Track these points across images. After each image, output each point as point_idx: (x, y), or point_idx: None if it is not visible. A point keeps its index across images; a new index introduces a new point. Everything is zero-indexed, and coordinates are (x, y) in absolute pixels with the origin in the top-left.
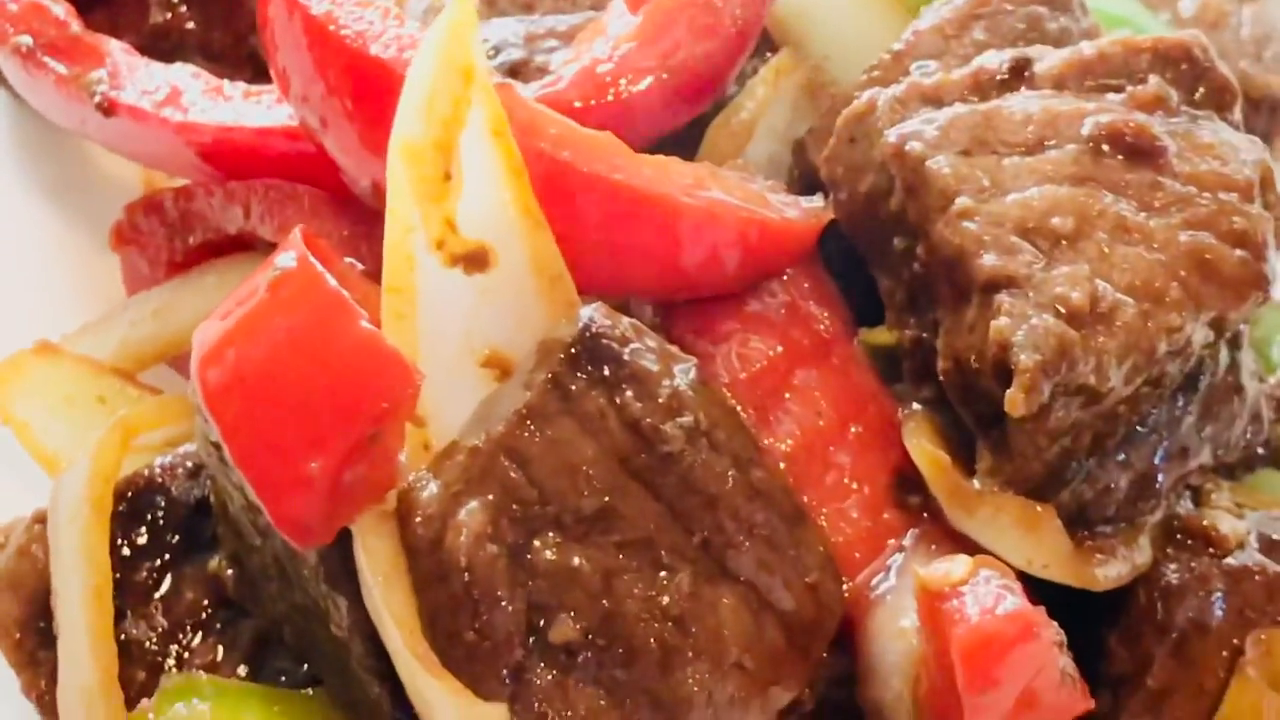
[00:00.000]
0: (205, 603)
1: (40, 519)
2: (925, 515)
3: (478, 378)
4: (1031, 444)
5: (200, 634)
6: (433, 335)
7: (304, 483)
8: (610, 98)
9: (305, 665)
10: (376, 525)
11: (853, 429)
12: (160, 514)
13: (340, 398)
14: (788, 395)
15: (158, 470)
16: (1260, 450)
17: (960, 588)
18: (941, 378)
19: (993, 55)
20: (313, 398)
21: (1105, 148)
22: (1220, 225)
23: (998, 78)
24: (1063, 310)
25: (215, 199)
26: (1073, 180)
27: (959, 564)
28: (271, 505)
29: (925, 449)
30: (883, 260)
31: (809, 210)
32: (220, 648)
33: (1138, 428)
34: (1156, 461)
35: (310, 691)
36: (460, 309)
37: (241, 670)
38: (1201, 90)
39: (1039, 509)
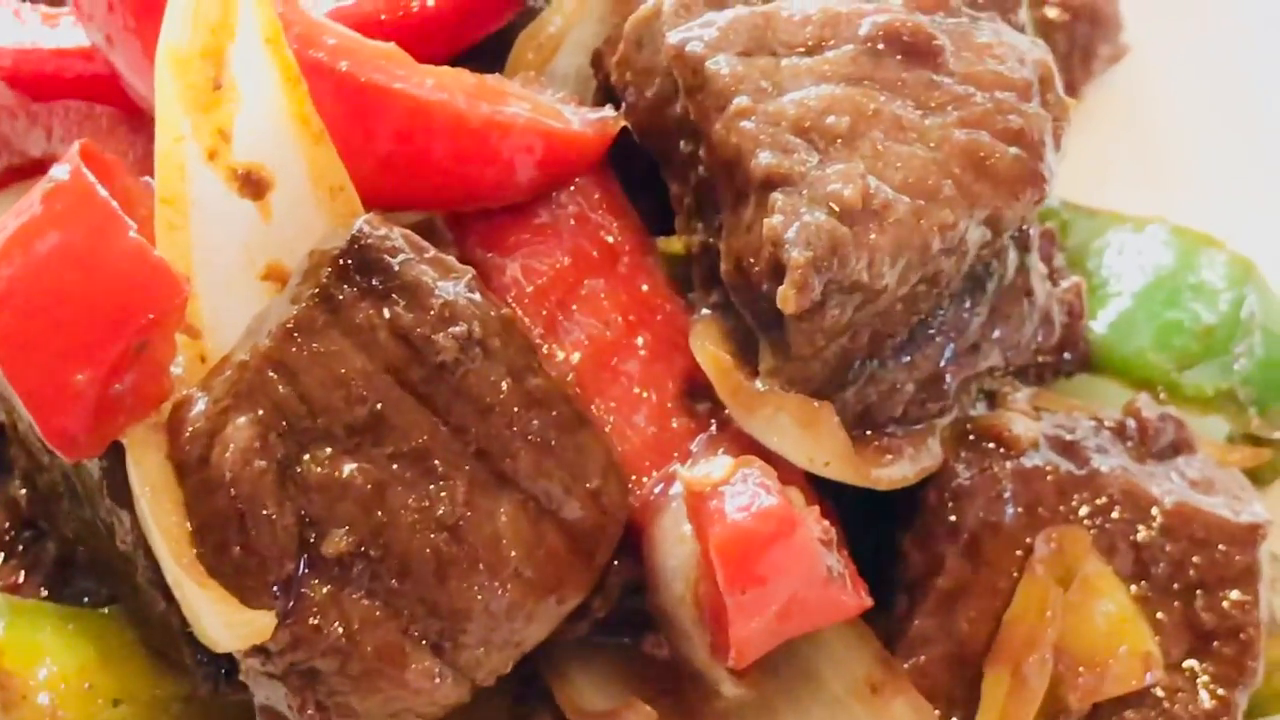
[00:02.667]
0: (8, 524)
1: None
2: (713, 423)
3: (257, 291)
4: (809, 343)
5: (2, 556)
6: (207, 247)
7: (70, 394)
8: (403, 12)
9: (105, 587)
10: (146, 438)
11: (640, 338)
12: None
13: (106, 308)
14: (575, 306)
15: None
16: (1067, 355)
17: (721, 487)
18: (724, 280)
19: None
20: (79, 309)
21: (882, 47)
22: (996, 124)
23: None
24: (835, 207)
25: (18, 122)
26: (849, 80)
27: (719, 464)
28: (39, 417)
29: (709, 351)
30: (671, 166)
31: (598, 121)
32: (22, 570)
33: (925, 329)
34: (943, 363)
35: (106, 610)
36: (236, 223)
37: (44, 591)
38: None
39: (816, 406)
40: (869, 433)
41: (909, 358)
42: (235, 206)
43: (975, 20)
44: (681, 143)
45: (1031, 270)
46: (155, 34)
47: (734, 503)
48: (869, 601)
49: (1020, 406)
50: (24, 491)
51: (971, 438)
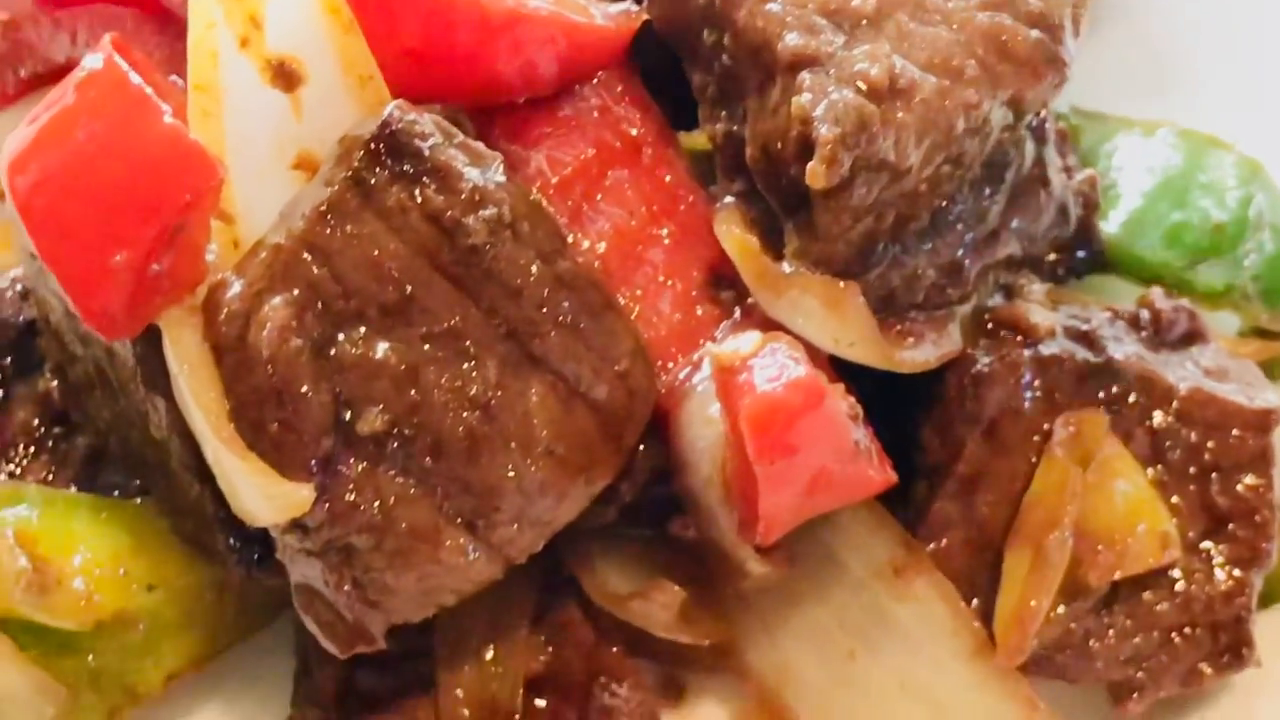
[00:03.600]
0: (36, 421)
1: None
2: (737, 310)
3: (288, 179)
4: (835, 223)
5: (33, 451)
6: (240, 135)
7: (109, 275)
8: None
9: (136, 479)
10: (183, 319)
11: (665, 228)
12: None
13: (143, 191)
14: (600, 196)
15: None
16: (1081, 253)
17: (749, 361)
18: (750, 165)
19: None
20: (116, 193)
21: None
22: (1018, 6)
23: None
24: (863, 86)
25: (42, 27)
26: None
27: (747, 339)
28: (78, 299)
29: (735, 234)
30: (694, 57)
31: (620, 15)
32: (53, 465)
33: (946, 216)
34: (963, 250)
35: (139, 501)
36: (268, 112)
37: (74, 486)
38: None
39: (842, 286)
40: (890, 318)
41: (930, 244)
42: (267, 96)
43: None
44: (705, 32)
45: (1049, 162)
46: None
47: (763, 375)
48: (894, 477)
49: (1037, 298)
50: (55, 384)
51: (990, 326)
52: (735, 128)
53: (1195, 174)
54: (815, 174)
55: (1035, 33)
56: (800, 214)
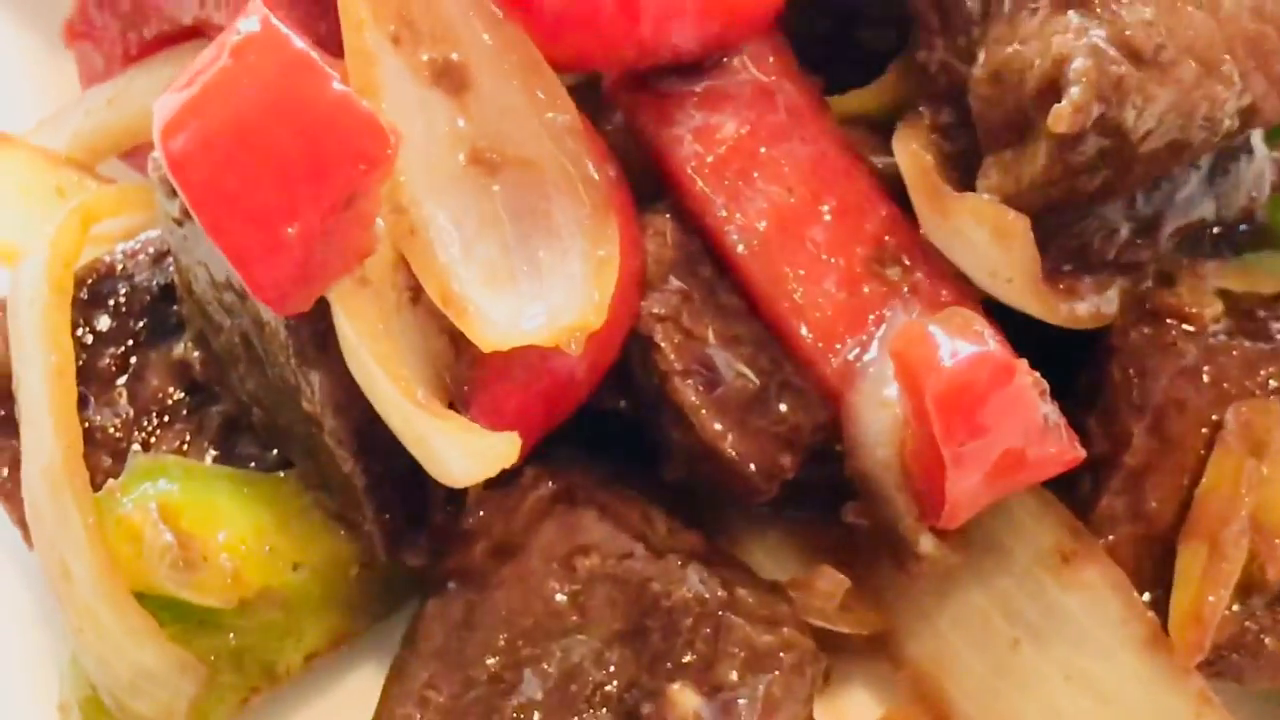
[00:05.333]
0: (171, 389)
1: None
2: (905, 289)
3: (462, 172)
4: (1050, 169)
5: (167, 420)
6: (404, 130)
7: (281, 248)
8: None
9: (274, 450)
10: (356, 290)
11: (825, 203)
12: (123, 300)
13: (316, 159)
14: (757, 174)
15: (119, 256)
16: (1243, 226)
17: (933, 339)
18: (973, 88)
19: None
20: (286, 160)
21: None
22: None
23: None
24: (1127, 48)
25: None
26: None
27: (932, 317)
28: (249, 272)
29: (912, 149)
30: None
31: None
32: (187, 434)
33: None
34: (1162, 208)
35: (281, 475)
36: (431, 110)
37: (209, 456)
38: None
39: (1014, 217)
40: (1055, 269)
41: (1131, 201)
42: (428, 94)
43: None
44: None
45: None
46: None
47: (950, 352)
48: (1082, 453)
49: (1199, 284)
50: (197, 354)
51: (1155, 314)
52: (952, 59)
53: None
54: (1060, 117)
55: None
56: (1008, 151)
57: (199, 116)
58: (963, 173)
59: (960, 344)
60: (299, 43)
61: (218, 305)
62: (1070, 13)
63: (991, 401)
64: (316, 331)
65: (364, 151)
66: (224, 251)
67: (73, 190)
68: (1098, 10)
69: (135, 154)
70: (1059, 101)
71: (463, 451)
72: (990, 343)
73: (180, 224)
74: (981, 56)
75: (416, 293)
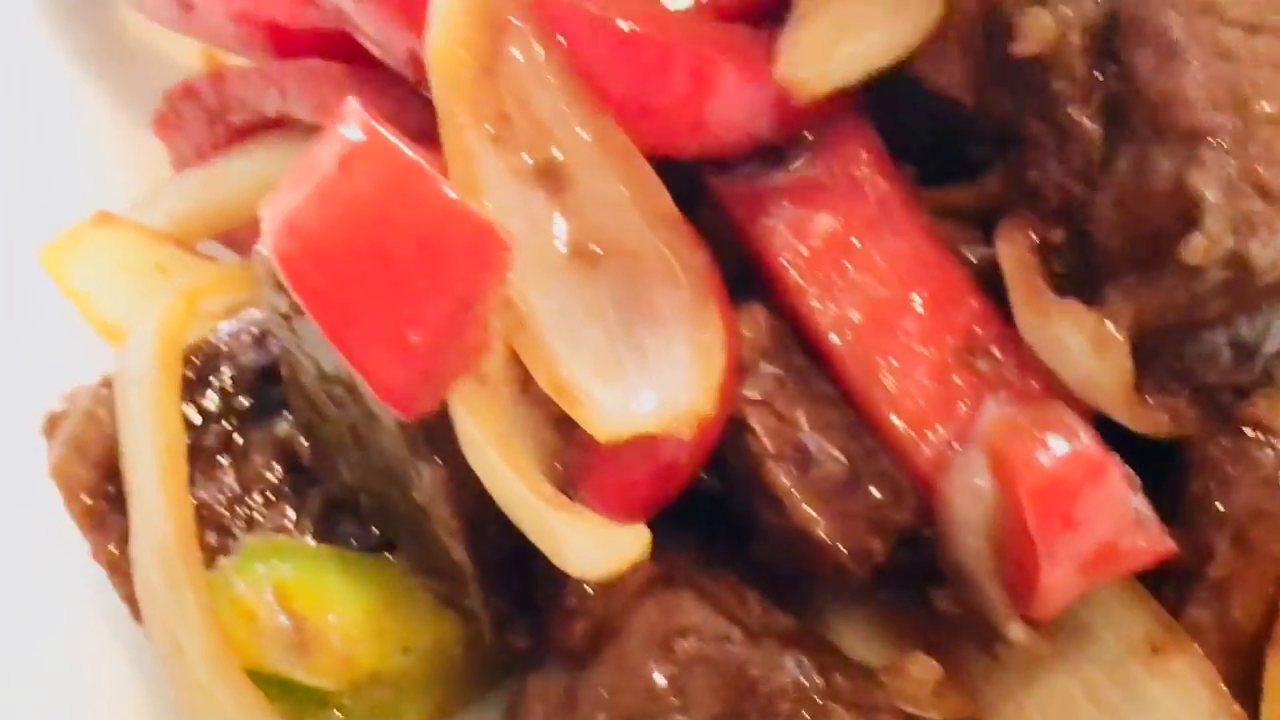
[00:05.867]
0: (273, 467)
1: (105, 383)
2: (995, 379)
3: (565, 266)
4: (1174, 297)
5: (270, 498)
6: (509, 226)
7: (407, 355)
8: None
9: (376, 530)
10: (476, 388)
11: (917, 293)
12: (227, 379)
13: (435, 267)
14: (850, 265)
15: (223, 336)
16: None
17: (1028, 435)
18: (1096, 212)
19: None
20: (406, 269)
21: None
22: None
23: None
24: (1258, 183)
25: (251, 82)
26: (1276, 67)
27: (1026, 412)
28: (375, 380)
29: (1016, 249)
30: (1034, 105)
31: None
32: (290, 512)
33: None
34: (1264, 335)
35: (388, 556)
36: (533, 207)
37: (311, 534)
38: None
39: (1111, 329)
40: (1147, 379)
41: (1236, 328)
42: (530, 192)
43: None
44: (1057, 82)
45: None
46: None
47: (1043, 448)
48: (1173, 546)
49: (1277, 394)
50: (303, 440)
51: (1232, 425)
52: (1067, 179)
53: None
54: (1194, 249)
55: None
56: (1130, 275)
57: (312, 225)
58: (1065, 282)
59: (1055, 440)
60: (407, 150)
61: (326, 397)
62: (1201, 146)
63: (1086, 497)
64: (427, 425)
65: (482, 257)
66: (349, 360)
67: (173, 267)
68: (1227, 145)
69: (230, 234)
70: (1188, 232)
71: (593, 545)
72: (1084, 439)
73: (288, 319)
74: (1106, 183)
75: (526, 383)
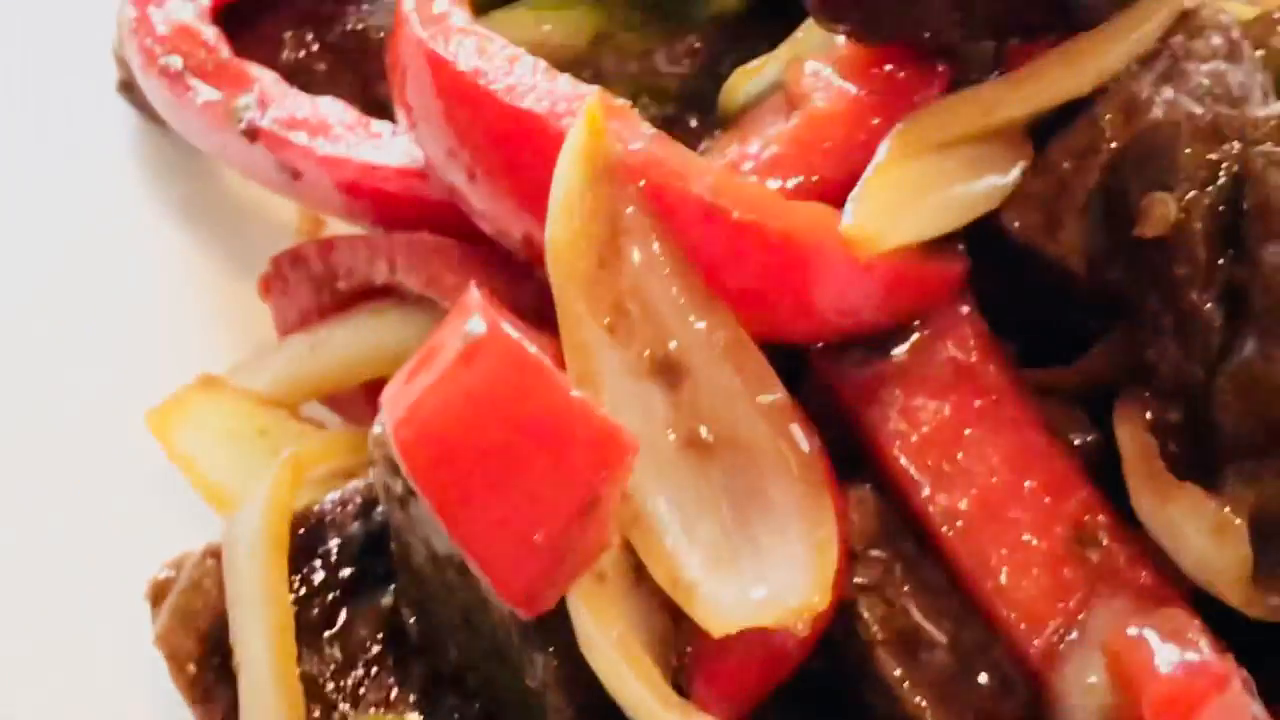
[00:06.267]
0: (379, 639)
1: (211, 553)
2: (1106, 570)
3: (678, 457)
4: None
5: (373, 671)
6: (625, 418)
7: (530, 555)
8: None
9: (478, 705)
10: (595, 586)
11: (1027, 481)
12: (333, 551)
13: (558, 467)
14: (960, 454)
15: (329, 506)
16: None
17: (1150, 645)
18: (1218, 397)
19: None
20: (529, 468)
21: None
22: None
23: None
24: None
25: (359, 252)
26: None
27: (1146, 616)
28: (497, 579)
29: (1135, 431)
30: (1153, 285)
31: (949, 253)
32: (394, 685)
33: None
34: None
35: None
36: (650, 399)
37: (415, 709)
38: None
39: (1234, 519)
40: (1267, 563)
41: None
42: (647, 385)
43: None
44: (1180, 267)
45: None
46: (525, 175)
47: (1165, 656)
48: None
49: None
50: (411, 618)
51: None
52: (1186, 360)
53: None
54: None
55: None
56: (1250, 461)
57: (434, 416)
58: (1181, 463)
59: (1177, 651)
60: (529, 346)
61: (437, 579)
62: None
63: (1209, 708)
64: (541, 614)
65: (605, 458)
66: (471, 556)
67: (276, 431)
68: None
69: (335, 396)
70: None
71: None
72: (1206, 650)
73: (403, 503)
74: (1227, 369)
75: (640, 574)
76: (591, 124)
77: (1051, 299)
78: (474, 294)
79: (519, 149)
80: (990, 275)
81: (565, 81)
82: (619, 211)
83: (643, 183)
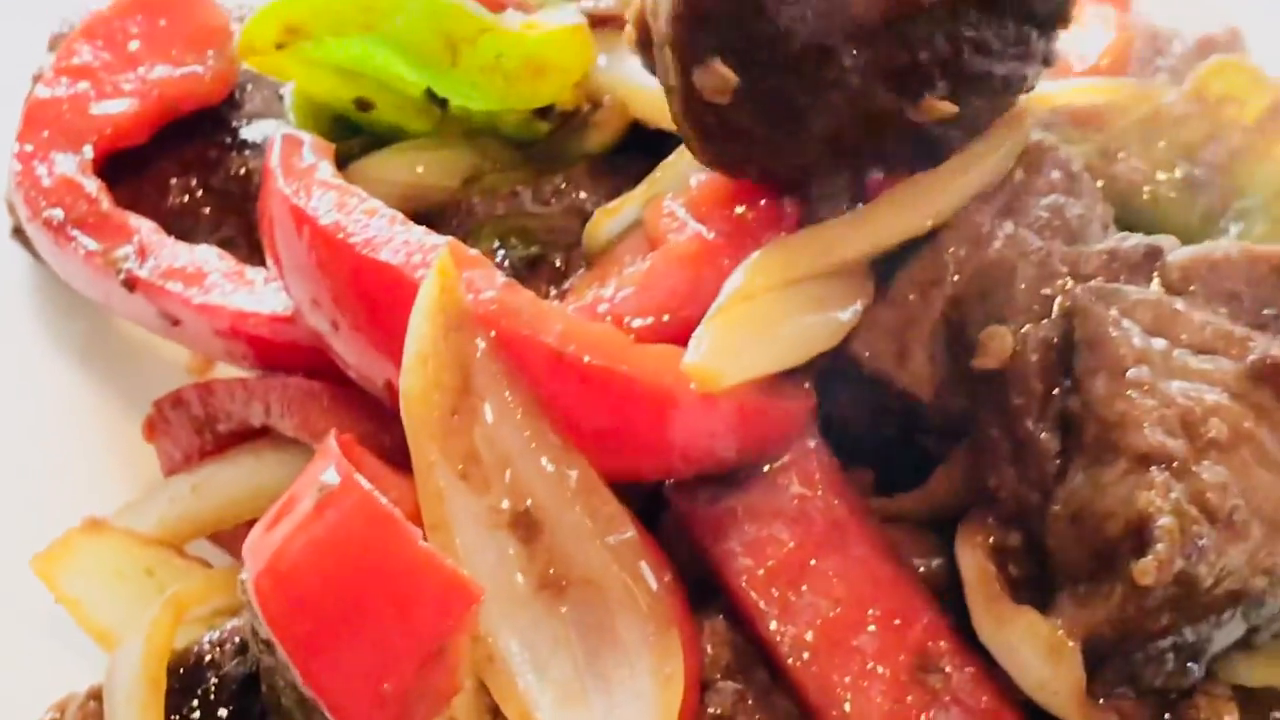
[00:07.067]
0: None
1: (94, 695)
2: (947, 696)
3: (534, 599)
4: (1122, 610)
5: None
6: (476, 563)
7: (380, 703)
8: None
9: None
10: None
11: (870, 610)
12: (211, 690)
13: (406, 617)
14: (805, 586)
15: (207, 646)
16: None
17: None
18: (1051, 524)
19: (1133, 238)
20: (378, 619)
21: (1263, 377)
22: None
23: (1132, 259)
24: (1205, 507)
25: (237, 395)
26: (1232, 394)
27: None
28: None
29: (976, 556)
30: (993, 414)
31: (795, 390)
32: None
33: None
34: (1207, 640)
35: None
36: (504, 544)
37: None
38: None
39: (1065, 638)
40: (1098, 685)
41: (1182, 634)
42: (499, 531)
43: None
44: (1017, 398)
45: None
46: (383, 324)
47: None
48: None
49: (1222, 691)
50: None
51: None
52: (1024, 488)
53: None
54: (1145, 570)
55: None
56: (1081, 586)
57: (288, 567)
58: (1021, 586)
59: None
60: (381, 498)
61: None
62: (1153, 470)
63: None
64: None
65: (451, 607)
66: (322, 702)
67: (162, 571)
68: (1177, 469)
69: (219, 534)
70: (1139, 551)
71: None
72: None
73: (270, 647)
74: (1061, 495)
75: (494, 716)
76: (443, 276)
77: (906, 425)
78: (331, 443)
79: (377, 299)
80: (848, 403)
81: (420, 233)
82: (471, 361)
83: (493, 332)
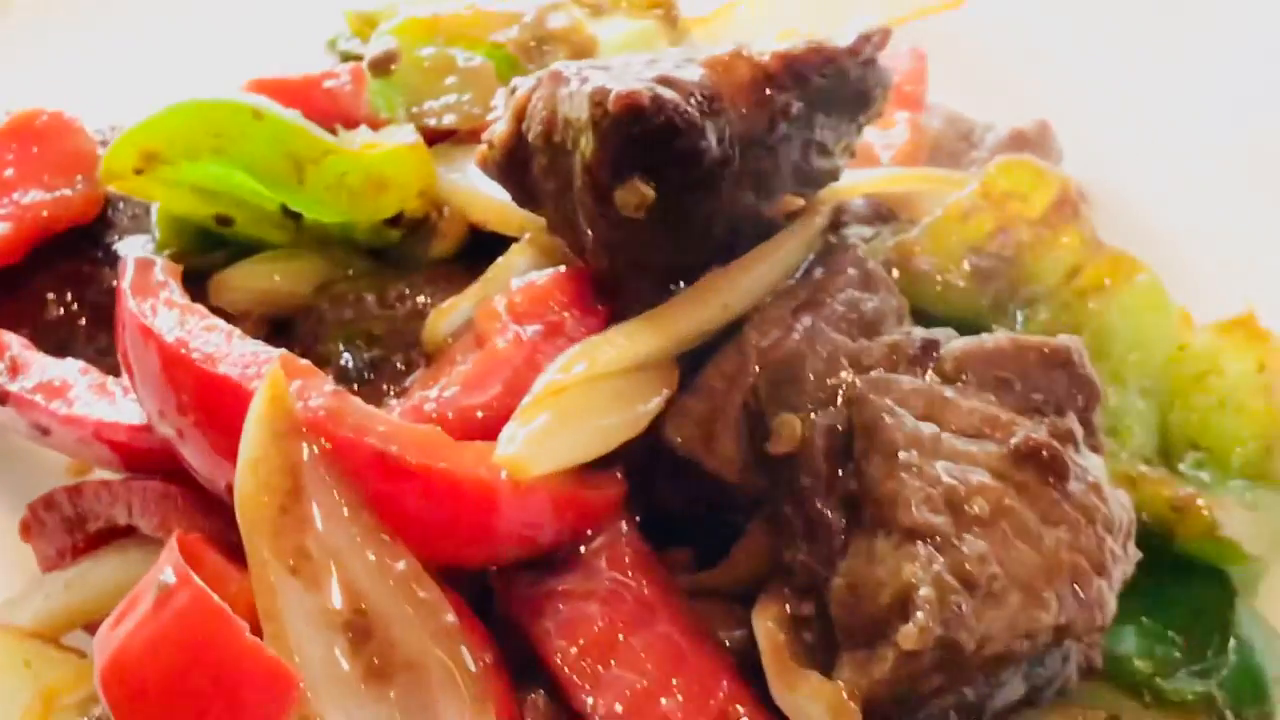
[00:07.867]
0: None
1: None
2: None
3: (360, 688)
4: (895, 673)
5: None
6: (307, 655)
7: None
8: None
9: None
10: None
11: (676, 680)
12: None
13: (235, 705)
14: (614, 661)
15: None
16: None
17: None
18: (833, 594)
19: (916, 331)
20: (212, 707)
21: (1025, 457)
22: (1094, 555)
23: (909, 352)
24: (965, 579)
25: (102, 497)
26: (995, 474)
27: None
28: None
29: (768, 626)
30: (787, 493)
31: (607, 479)
32: None
33: None
34: (985, 698)
35: None
36: (333, 635)
37: None
38: (1076, 393)
39: (848, 700)
40: None
41: (961, 694)
42: (327, 622)
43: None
44: (806, 479)
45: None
46: (221, 431)
47: None
48: None
49: None
50: None
51: None
52: (813, 561)
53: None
54: (908, 636)
55: (1100, 581)
56: (860, 650)
57: (129, 660)
58: (814, 651)
59: None
60: (215, 598)
61: None
62: (918, 544)
63: None
64: None
65: (272, 695)
66: None
67: (38, 662)
68: (940, 543)
69: (93, 626)
70: (906, 620)
71: None
72: None
73: None
74: (842, 568)
75: None
76: (274, 386)
77: (717, 505)
78: (172, 544)
79: (216, 409)
80: (665, 486)
81: (256, 346)
82: (299, 464)
83: (321, 437)
